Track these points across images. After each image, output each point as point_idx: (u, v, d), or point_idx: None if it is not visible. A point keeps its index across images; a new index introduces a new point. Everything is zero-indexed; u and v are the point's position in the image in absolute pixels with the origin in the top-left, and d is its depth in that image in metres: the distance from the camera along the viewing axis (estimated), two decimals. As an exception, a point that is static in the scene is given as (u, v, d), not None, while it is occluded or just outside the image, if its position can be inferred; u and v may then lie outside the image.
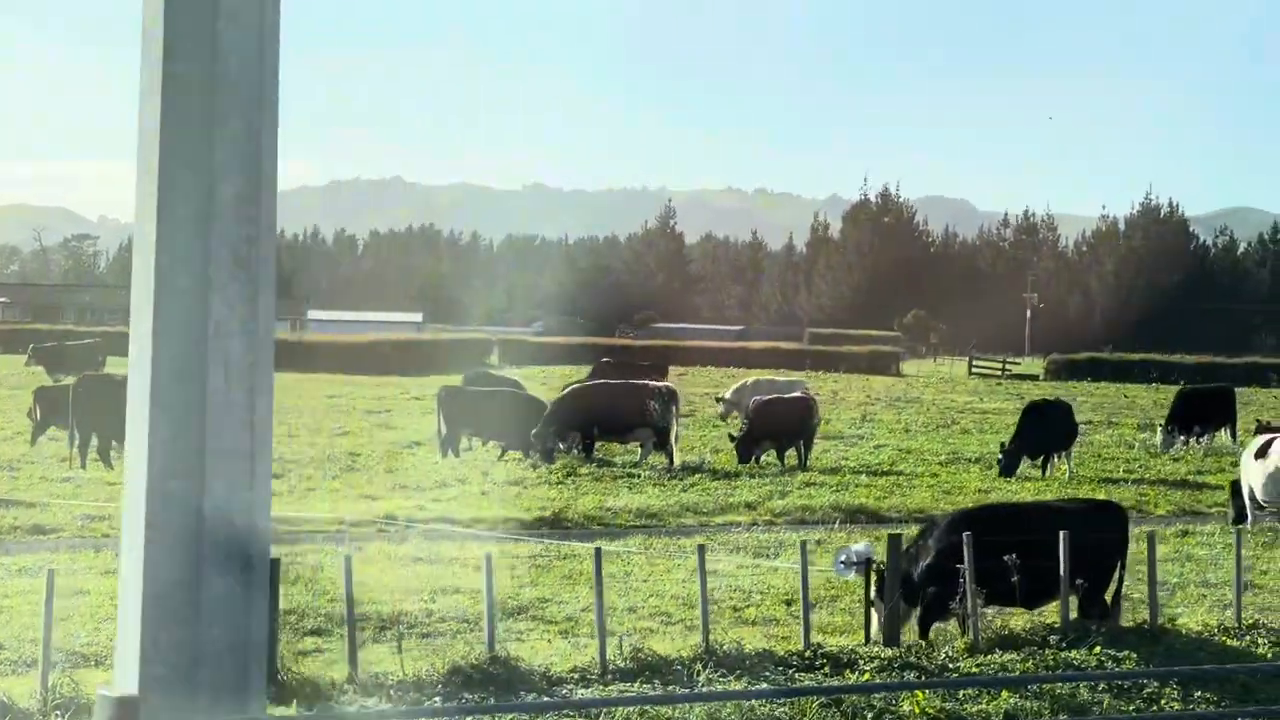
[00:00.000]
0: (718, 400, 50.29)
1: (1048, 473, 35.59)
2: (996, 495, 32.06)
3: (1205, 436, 43.96)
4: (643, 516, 27.93)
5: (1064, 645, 17.06)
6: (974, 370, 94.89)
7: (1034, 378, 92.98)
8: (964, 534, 17.26)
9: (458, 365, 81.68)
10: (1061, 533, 17.40)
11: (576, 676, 15.61)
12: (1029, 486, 33.51)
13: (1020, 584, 17.44)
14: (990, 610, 17.99)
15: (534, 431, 33.97)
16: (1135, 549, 25.41)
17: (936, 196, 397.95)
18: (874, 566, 17.28)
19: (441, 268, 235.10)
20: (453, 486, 30.76)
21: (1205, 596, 21.57)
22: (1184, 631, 18.18)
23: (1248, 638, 18.13)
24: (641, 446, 35.22)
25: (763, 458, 35.93)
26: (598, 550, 16.58)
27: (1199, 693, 16.12)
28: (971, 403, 65.26)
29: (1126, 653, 17.06)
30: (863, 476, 34.36)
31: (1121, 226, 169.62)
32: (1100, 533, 17.95)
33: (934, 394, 69.90)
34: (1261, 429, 51.01)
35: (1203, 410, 43.78)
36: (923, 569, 17.82)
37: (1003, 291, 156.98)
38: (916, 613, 17.93)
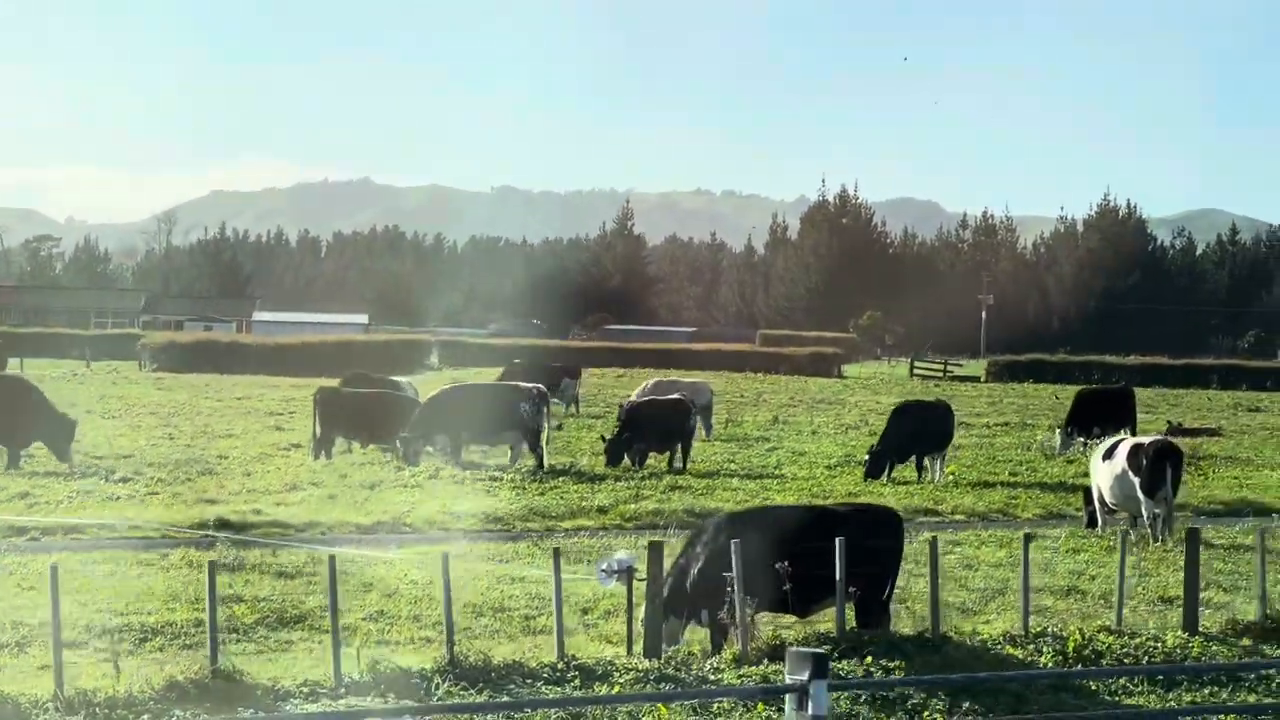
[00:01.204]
0: (621, 406, 49.59)
1: (924, 476, 34.95)
2: (866, 499, 31.44)
3: (1104, 438, 43.31)
4: (488, 521, 27.24)
5: (835, 655, 16.41)
6: (915, 372, 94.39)
7: (976, 379, 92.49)
8: (732, 540, 16.60)
9: (396, 367, 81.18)
10: (838, 539, 16.75)
11: (306, 690, 14.92)
12: (898, 490, 32.86)
13: (793, 591, 16.80)
14: (765, 618, 17.38)
15: (400, 434, 33.32)
16: (970, 554, 24.91)
17: (906, 198, 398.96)
18: (635, 576, 16.60)
19: (404, 269, 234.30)
20: (304, 490, 30.04)
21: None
22: (968, 641, 17.55)
23: (1032, 646, 17.51)
24: (512, 449, 34.54)
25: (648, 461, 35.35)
26: (331, 558, 15.86)
27: (967, 704, 15.50)
28: (884, 403, 64.60)
29: (899, 663, 16.44)
30: (736, 480, 33.71)
31: (1080, 228, 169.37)
32: (874, 538, 17.30)
33: (863, 396, 69.32)
34: (1173, 431, 50.73)
35: (1101, 412, 43.27)
36: (694, 577, 17.16)
37: (960, 293, 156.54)
38: (693, 624, 17.30)
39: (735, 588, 16.46)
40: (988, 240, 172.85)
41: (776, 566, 16.68)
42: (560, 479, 32.47)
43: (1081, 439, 42.64)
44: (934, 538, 17.99)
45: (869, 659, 16.39)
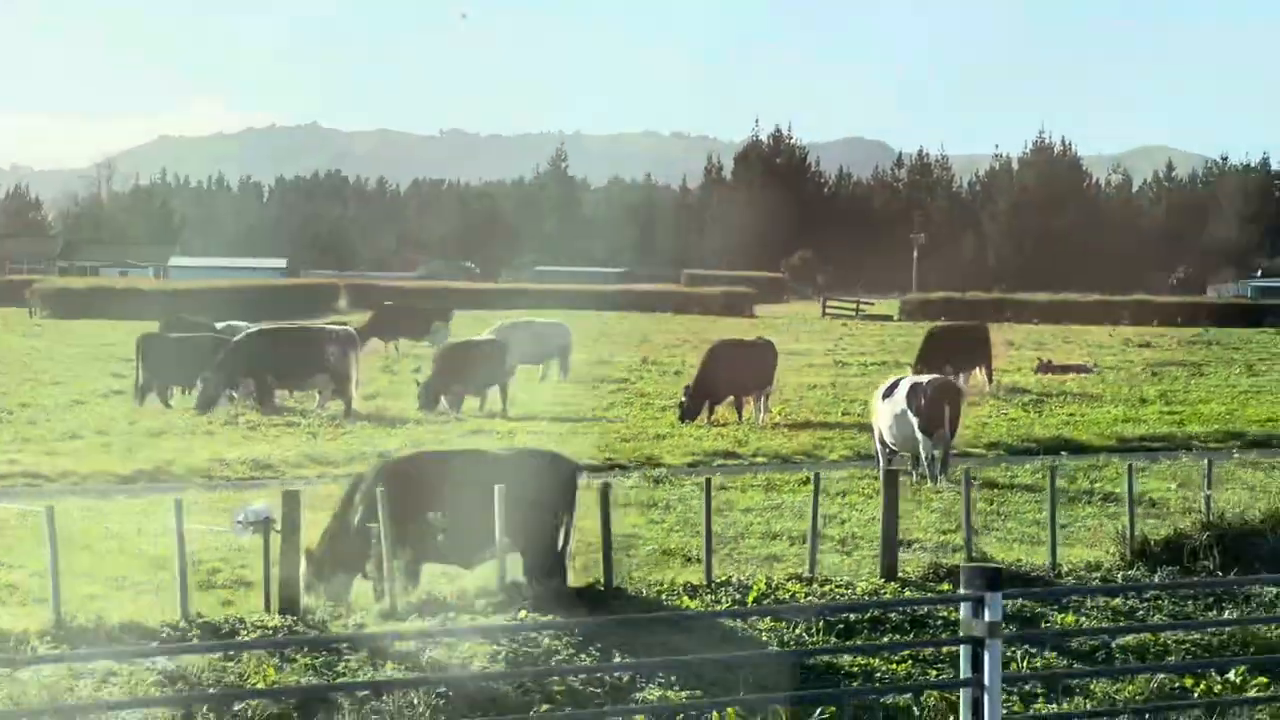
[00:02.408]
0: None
1: (744, 417, 34.10)
2: (671, 441, 30.64)
3: (962, 376, 42.55)
4: (258, 468, 26.33)
5: (490, 609, 15.60)
6: (827, 311, 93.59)
7: (888, 318, 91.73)
8: (379, 489, 15.73)
9: (298, 312, 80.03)
10: (496, 486, 15.89)
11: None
12: (708, 432, 32.02)
13: (448, 542, 15.95)
14: (437, 570, 16.55)
15: (202, 376, 32.33)
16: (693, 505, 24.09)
17: (855, 138, 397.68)
18: (273, 528, 15.70)
19: (346, 214, 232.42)
20: (83, 438, 29.08)
21: (755, 549, 20.20)
22: (644, 592, 16.74)
23: (711, 596, 16.72)
24: (320, 393, 33.59)
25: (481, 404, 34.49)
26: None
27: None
28: (783, 342, 63.76)
29: (551, 616, 15.61)
30: (545, 423, 32.87)
31: (1015, 166, 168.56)
32: (541, 485, 16.43)
33: (743, 334, 68.19)
34: (1043, 367, 50.05)
35: (953, 349, 42.35)
36: (354, 528, 16.28)
37: (894, 232, 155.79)
38: (358, 577, 16.43)
39: (381, 539, 15.61)
40: (923, 179, 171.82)
41: (430, 516, 15.82)
42: (363, 424, 31.55)
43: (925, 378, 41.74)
44: (605, 484, 17.11)
45: (524, 612, 15.56)
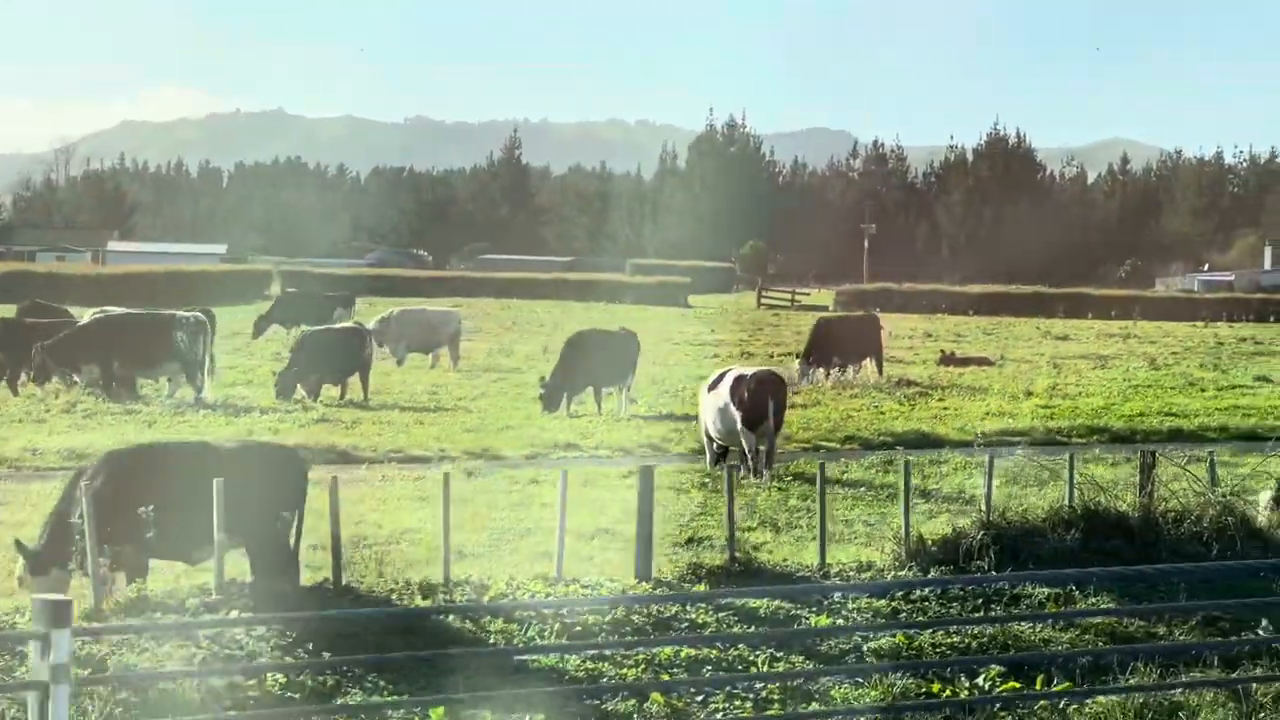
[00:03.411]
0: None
1: (604, 409, 33.48)
2: (515, 433, 30.00)
3: (850, 369, 42.07)
4: (72, 457, 25.58)
5: (201, 609, 14.94)
6: (763, 301, 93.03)
7: (824, 309, 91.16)
8: (85, 482, 15.06)
9: (229, 298, 79.24)
10: (216, 480, 15.22)
11: None
12: (563, 424, 31.38)
13: (160, 537, 15.29)
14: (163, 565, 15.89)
15: (36, 363, 31.58)
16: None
17: (820, 128, 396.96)
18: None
19: (306, 200, 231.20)
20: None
21: (541, 545, 19.56)
22: (374, 591, 16.10)
23: (445, 595, 16.10)
24: (170, 380, 32.87)
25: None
26: None
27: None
28: (701, 333, 63.41)
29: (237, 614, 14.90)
30: (396, 412, 32.24)
31: (969, 157, 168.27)
32: (266, 479, 15.77)
33: (679, 326, 67.90)
34: (945, 360, 49.56)
35: (842, 341, 41.83)
36: (75, 522, 15.60)
37: (846, 222, 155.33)
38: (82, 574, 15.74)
39: (86, 535, 14.94)
40: (878, 170, 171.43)
41: (140, 511, 15.16)
42: (206, 413, 30.84)
43: (822, 370, 41.29)
44: (334, 478, 16.45)
45: (234, 612, 14.89)
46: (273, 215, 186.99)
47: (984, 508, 18.44)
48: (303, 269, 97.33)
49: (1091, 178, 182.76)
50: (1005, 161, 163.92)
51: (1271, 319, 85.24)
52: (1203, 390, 40.89)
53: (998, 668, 15.08)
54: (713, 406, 25.17)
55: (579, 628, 15.53)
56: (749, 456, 24.76)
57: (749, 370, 25.70)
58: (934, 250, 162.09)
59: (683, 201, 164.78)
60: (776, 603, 16.45)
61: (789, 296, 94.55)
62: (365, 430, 29.53)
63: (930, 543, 18.08)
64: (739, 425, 24.66)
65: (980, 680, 14.93)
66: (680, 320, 74.18)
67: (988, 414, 34.47)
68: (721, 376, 25.51)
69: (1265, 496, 19.76)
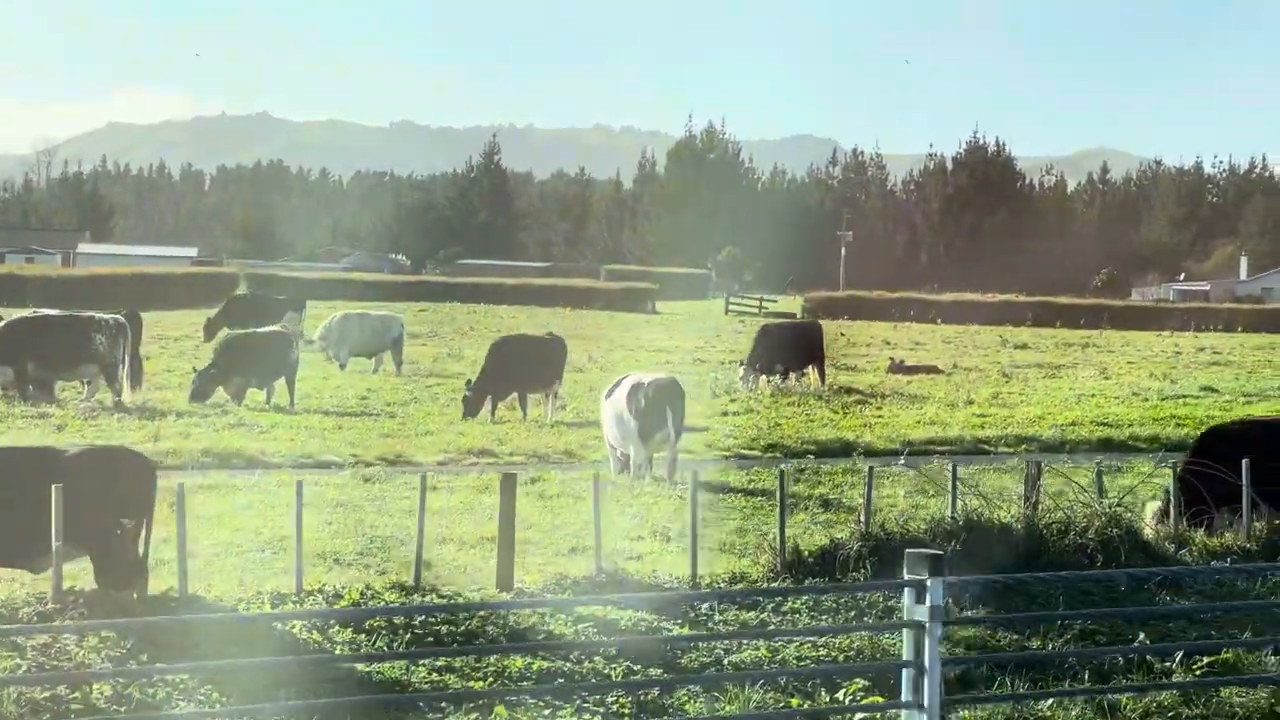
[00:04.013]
0: (308, 341, 47.84)
1: (527, 414, 33.09)
2: (432, 438, 29.61)
3: (794, 375, 41.73)
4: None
5: (35, 618, 14.55)
6: (730, 308, 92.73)
7: (791, 316, 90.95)
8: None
9: (191, 301, 78.97)
10: (55, 485, 14.82)
11: None
12: (480, 430, 30.97)
13: (8, 543, 14.92)
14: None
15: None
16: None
17: (805, 135, 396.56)
18: None
19: (288, 204, 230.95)
20: None
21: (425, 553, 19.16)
22: (224, 600, 15.70)
23: (297, 604, 15.71)
24: (89, 384, 32.45)
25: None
26: None
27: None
28: (657, 339, 63.06)
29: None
30: (319, 418, 31.86)
31: (949, 165, 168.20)
32: (108, 484, 15.36)
33: (637, 333, 67.51)
34: (894, 368, 49.23)
35: (784, 348, 41.49)
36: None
37: (825, 229, 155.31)
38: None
39: (-82, 540, 14.55)
40: (857, 177, 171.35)
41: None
42: (121, 417, 30.39)
43: (764, 376, 40.93)
44: (180, 485, 16.04)
45: (59, 620, 14.51)
46: (251, 219, 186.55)
47: (863, 519, 18.08)
48: (271, 272, 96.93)
49: (1073, 187, 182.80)
50: (984, 170, 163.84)
51: (1239, 329, 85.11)
52: (1145, 400, 40.53)
53: (861, 680, 14.76)
54: (610, 414, 24.80)
55: (430, 638, 15.18)
56: (640, 465, 24.38)
57: (647, 377, 25.25)
58: (913, 258, 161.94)
59: (661, 208, 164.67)
60: (639, 614, 16.11)
61: (756, 303, 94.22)
62: (280, 435, 29.12)
63: (807, 554, 17.71)
64: (634, 434, 24.28)
65: (841, 695, 14.60)
66: (642, 326, 73.88)
67: (920, 422, 34.12)
68: (619, 383, 25.10)
69: (1152, 508, 19.42)
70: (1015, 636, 16.39)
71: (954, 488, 18.53)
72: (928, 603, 11.59)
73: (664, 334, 66.38)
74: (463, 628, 15.36)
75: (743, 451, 29.74)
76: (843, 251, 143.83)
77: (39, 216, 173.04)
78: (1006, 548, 18.02)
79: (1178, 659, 15.66)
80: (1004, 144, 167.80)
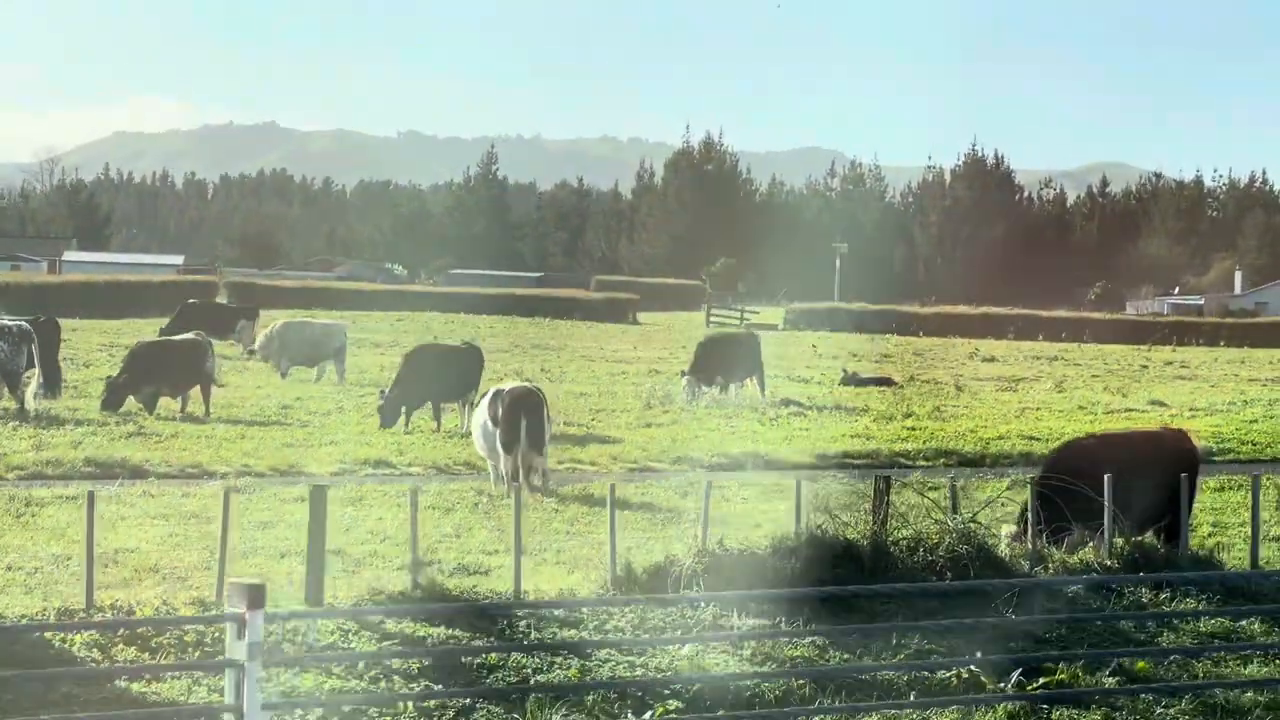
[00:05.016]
0: (249, 352, 47.49)
1: (441, 424, 32.54)
2: (332, 449, 29.05)
3: (734, 386, 41.18)
4: None
5: None
6: (712, 319, 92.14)
7: (773, 328, 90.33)
8: None
9: (173, 307, 78.48)
10: None
11: None
12: (383, 441, 30.40)
13: None
14: None
15: None
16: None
17: (812, 148, 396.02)
18: None
19: (290, 213, 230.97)
20: None
21: (262, 567, 18.63)
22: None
23: (83, 615, 15.18)
24: (-9, 393, 31.93)
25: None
26: None
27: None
28: (620, 350, 62.51)
29: None
30: (227, 427, 31.32)
31: (947, 178, 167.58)
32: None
33: (593, 340, 66.95)
34: (848, 380, 48.63)
35: (723, 359, 40.93)
36: None
37: (821, 241, 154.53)
38: None
39: None
40: (855, 189, 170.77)
41: None
42: (15, 425, 29.85)
43: (705, 388, 40.37)
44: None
45: None
46: (250, 227, 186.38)
47: (699, 534, 17.51)
48: (251, 280, 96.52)
49: (1073, 200, 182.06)
50: (982, 182, 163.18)
51: (1222, 343, 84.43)
52: (1090, 414, 39.92)
53: (676, 703, 14.27)
54: (476, 424, 24.28)
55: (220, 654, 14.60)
56: (506, 476, 23.85)
57: (506, 386, 24.65)
58: (910, 270, 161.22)
59: (658, 218, 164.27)
60: (452, 630, 15.59)
61: (738, 315, 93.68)
62: (177, 445, 28.57)
63: (640, 570, 17.14)
64: (496, 444, 23.76)
65: (648, 714, 14.11)
66: (613, 336, 73.35)
67: (846, 435, 33.54)
68: (486, 393, 24.55)
69: (1008, 530, 18.84)
70: (847, 655, 15.85)
71: (798, 503, 17.95)
72: (246, 639, 10.56)
73: (629, 345, 65.85)
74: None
75: (650, 463, 29.19)
76: (837, 263, 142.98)
77: (35, 224, 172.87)
78: (851, 564, 17.44)
79: (1014, 678, 15.14)
80: (1003, 156, 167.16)
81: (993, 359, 63.01)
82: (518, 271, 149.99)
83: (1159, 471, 18.89)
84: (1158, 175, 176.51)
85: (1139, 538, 18.82)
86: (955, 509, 18.41)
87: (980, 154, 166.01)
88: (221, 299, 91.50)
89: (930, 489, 22.39)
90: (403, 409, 31.97)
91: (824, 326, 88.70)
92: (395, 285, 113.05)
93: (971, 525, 17.88)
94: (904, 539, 17.73)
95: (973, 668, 15.29)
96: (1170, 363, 62.51)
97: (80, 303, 77.97)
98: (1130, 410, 41.12)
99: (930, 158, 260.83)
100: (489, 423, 23.72)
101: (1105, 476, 18.31)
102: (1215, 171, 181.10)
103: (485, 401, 24.09)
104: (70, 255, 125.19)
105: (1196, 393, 47.41)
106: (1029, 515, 18.51)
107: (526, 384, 25.17)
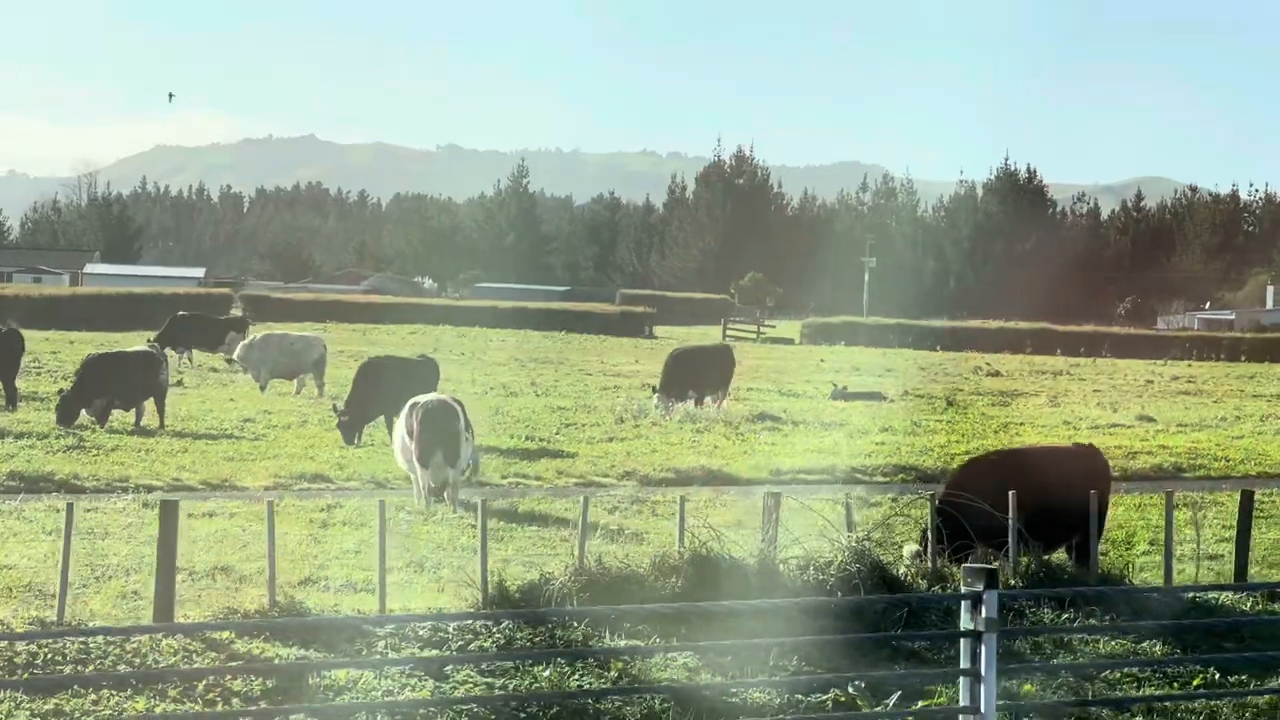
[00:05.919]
0: (227, 360, 47.13)
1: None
2: (275, 463, 28.56)
3: (709, 400, 40.56)
4: None
5: None
6: (728, 334, 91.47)
7: (789, 341, 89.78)
8: None
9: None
10: None
11: None
12: (325, 455, 29.90)
13: None
14: None
15: None
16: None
17: (852, 162, 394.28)
18: None
19: (326, 226, 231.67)
20: None
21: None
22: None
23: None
24: (-58, 404, 31.62)
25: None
26: None
27: None
28: (622, 365, 61.94)
29: None
30: (176, 440, 30.90)
31: (979, 192, 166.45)
32: None
33: (604, 356, 66.41)
34: (837, 394, 47.92)
35: (694, 373, 40.32)
36: None
37: (851, 255, 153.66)
38: None
39: None
40: (887, 204, 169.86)
41: None
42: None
43: (676, 402, 39.75)
44: None
45: None
46: (280, 241, 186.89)
47: (576, 552, 16.93)
48: (266, 293, 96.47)
49: (1107, 214, 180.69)
50: (1015, 197, 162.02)
51: (1243, 358, 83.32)
52: (1074, 430, 39.11)
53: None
54: (397, 438, 23.77)
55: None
56: (424, 490, 23.33)
57: (423, 399, 24.09)
58: (942, 284, 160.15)
59: (688, 232, 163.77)
60: (303, 650, 15.05)
61: (754, 329, 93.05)
62: (117, 459, 28.15)
63: (514, 589, 16.56)
64: (413, 457, 23.24)
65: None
66: (619, 350, 72.83)
67: (808, 450, 32.86)
68: (408, 406, 24.01)
69: (909, 549, 18.20)
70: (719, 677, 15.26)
71: (681, 519, 17.34)
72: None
73: (633, 359, 65.28)
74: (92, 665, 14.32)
75: (597, 478, 28.62)
76: (865, 277, 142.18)
77: (66, 237, 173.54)
78: (737, 583, 16.83)
79: (892, 701, 14.58)
80: (1035, 170, 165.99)
81: (997, 373, 62.17)
82: (547, 285, 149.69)
83: (1065, 489, 18.23)
84: (1193, 189, 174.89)
85: (1047, 556, 18.16)
86: (850, 526, 17.78)
87: (1013, 168, 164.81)
88: (238, 311, 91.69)
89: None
90: (361, 424, 31.48)
91: (840, 340, 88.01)
92: (416, 298, 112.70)
93: (865, 544, 17.23)
94: (794, 558, 17.12)
95: (850, 689, 14.72)
96: (1178, 377, 61.52)
97: (92, 315, 78.04)
98: (1116, 426, 40.30)
99: (962, 171, 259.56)
100: (405, 436, 23.19)
101: (1010, 494, 17.66)
102: (1251, 186, 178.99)
103: (404, 414, 23.55)
104: (92, 268, 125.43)
105: (1192, 408, 46.52)
106: (929, 533, 17.88)
107: (442, 396, 24.56)
